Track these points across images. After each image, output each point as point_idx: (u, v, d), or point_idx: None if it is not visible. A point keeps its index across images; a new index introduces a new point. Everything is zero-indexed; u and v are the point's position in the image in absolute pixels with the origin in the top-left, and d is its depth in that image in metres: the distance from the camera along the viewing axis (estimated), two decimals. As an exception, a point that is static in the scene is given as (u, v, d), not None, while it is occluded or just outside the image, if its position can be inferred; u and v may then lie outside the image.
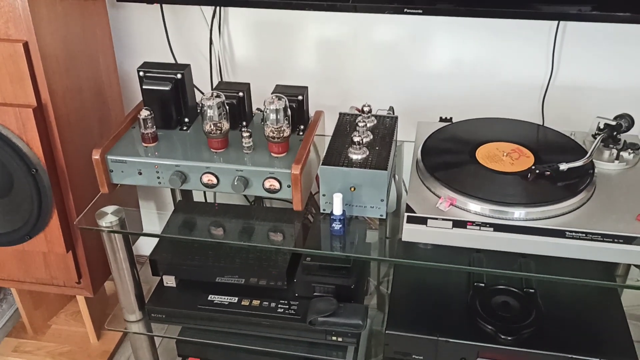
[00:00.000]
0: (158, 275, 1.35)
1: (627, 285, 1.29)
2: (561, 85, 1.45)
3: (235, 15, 1.52)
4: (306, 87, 1.28)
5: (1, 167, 1.31)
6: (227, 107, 1.19)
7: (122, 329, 1.41)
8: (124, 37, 1.59)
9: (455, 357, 1.18)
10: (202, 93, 1.55)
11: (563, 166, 1.12)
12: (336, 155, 1.15)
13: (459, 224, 1.06)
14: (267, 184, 1.16)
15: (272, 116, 1.15)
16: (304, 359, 1.32)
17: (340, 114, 1.30)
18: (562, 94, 1.45)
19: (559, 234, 1.03)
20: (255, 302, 1.30)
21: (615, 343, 1.17)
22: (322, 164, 1.13)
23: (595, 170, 1.15)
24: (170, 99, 1.26)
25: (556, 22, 1.36)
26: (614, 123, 1.21)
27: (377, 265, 1.57)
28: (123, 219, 1.22)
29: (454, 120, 1.33)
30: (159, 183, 1.21)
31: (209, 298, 1.32)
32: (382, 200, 1.13)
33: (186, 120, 1.30)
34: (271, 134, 1.16)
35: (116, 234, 1.24)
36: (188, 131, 1.28)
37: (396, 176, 1.30)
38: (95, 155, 1.19)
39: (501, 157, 1.18)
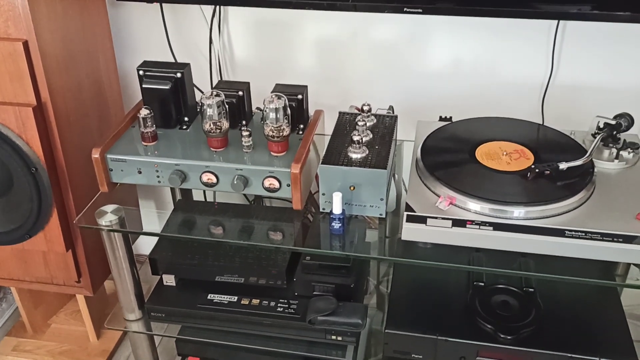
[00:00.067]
0: (158, 274, 1.35)
1: (627, 284, 1.29)
2: (561, 85, 1.45)
3: (235, 14, 1.52)
4: (306, 86, 1.28)
5: (1, 166, 1.31)
6: (227, 106, 1.19)
7: (121, 328, 1.41)
8: (124, 36, 1.59)
9: (454, 356, 1.18)
10: (202, 92, 1.55)
11: (563, 165, 1.12)
12: (336, 154, 1.15)
13: (459, 223, 1.06)
14: (267, 183, 1.16)
15: (272, 115, 1.15)
16: (304, 358, 1.32)
17: (339, 113, 1.30)
18: (561, 93, 1.45)
19: (559, 233, 1.03)
20: (255, 301, 1.30)
21: (615, 342, 1.17)
22: (322, 163, 1.13)
23: (595, 170, 1.15)
24: (170, 98, 1.26)
25: (556, 21, 1.36)
26: (613, 122, 1.22)
27: (377, 264, 1.57)
28: (123, 217, 1.22)
29: (453, 120, 1.33)
30: (159, 182, 1.21)
31: (208, 297, 1.32)
32: (381, 200, 1.13)
33: (186, 119, 1.30)
34: (271, 133, 1.16)
35: (116, 233, 1.24)
36: (188, 130, 1.28)
37: (396, 175, 1.30)
38: (95, 154, 1.19)
39: (501, 156, 1.18)
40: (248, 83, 1.30)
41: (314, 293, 1.27)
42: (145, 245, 1.70)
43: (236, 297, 1.31)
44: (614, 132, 1.21)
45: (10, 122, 1.26)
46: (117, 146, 1.23)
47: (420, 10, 1.28)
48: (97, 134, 1.47)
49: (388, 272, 1.54)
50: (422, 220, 1.07)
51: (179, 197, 1.49)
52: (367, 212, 1.16)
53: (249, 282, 1.29)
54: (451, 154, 1.21)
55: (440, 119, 1.35)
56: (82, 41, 1.38)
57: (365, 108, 1.22)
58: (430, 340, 1.18)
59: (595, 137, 1.20)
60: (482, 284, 1.28)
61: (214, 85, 1.32)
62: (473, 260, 1.12)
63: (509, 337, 1.16)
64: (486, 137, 1.23)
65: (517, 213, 1.06)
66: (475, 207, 1.08)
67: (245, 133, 1.19)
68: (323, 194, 1.15)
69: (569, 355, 1.13)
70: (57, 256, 1.48)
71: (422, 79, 1.50)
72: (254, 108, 1.33)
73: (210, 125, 1.18)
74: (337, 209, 1.12)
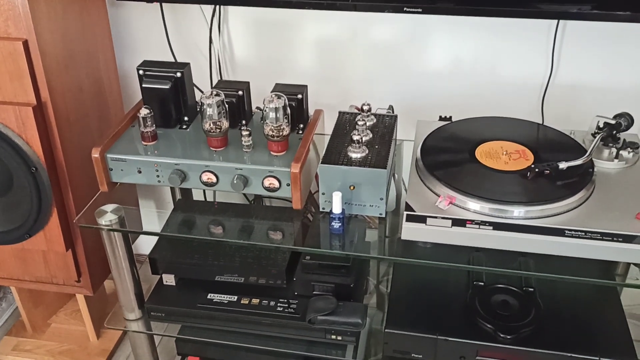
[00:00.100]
0: (157, 274, 1.35)
1: (627, 284, 1.28)
2: (561, 84, 1.45)
3: (234, 14, 1.52)
4: (306, 86, 1.28)
5: (1, 165, 1.31)
6: (227, 106, 1.19)
7: (121, 328, 1.41)
8: (124, 36, 1.59)
9: (454, 355, 1.18)
10: (202, 92, 1.55)
11: (562, 165, 1.12)
12: (335, 153, 1.15)
13: (459, 222, 1.06)
14: (267, 183, 1.16)
15: (272, 115, 1.15)
16: (304, 357, 1.32)
17: (339, 112, 1.30)
18: (561, 93, 1.45)
19: (559, 232, 1.03)
20: (255, 301, 1.30)
21: (615, 342, 1.17)
22: (322, 163, 1.13)
23: (595, 169, 1.15)
24: (170, 98, 1.26)
25: (556, 21, 1.36)
26: (613, 122, 1.21)
27: (377, 264, 1.57)
28: (122, 217, 1.22)
29: (453, 119, 1.33)
30: (159, 182, 1.21)
31: (208, 297, 1.32)
32: (381, 199, 1.13)
33: (186, 118, 1.30)
34: (271, 133, 1.16)
35: (116, 233, 1.24)
36: (187, 130, 1.28)
37: (395, 175, 1.30)
38: (95, 154, 1.19)
39: (500, 155, 1.18)
40: (248, 83, 1.30)
41: (314, 292, 1.27)
42: (145, 244, 1.70)
43: (236, 297, 1.31)
44: (614, 132, 1.21)
45: (10, 121, 1.26)
46: (117, 146, 1.23)
47: (420, 10, 1.28)
48: (97, 134, 1.47)
49: (388, 272, 1.54)
50: (421, 219, 1.07)
51: (178, 196, 1.49)
52: (367, 212, 1.16)
53: (249, 282, 1.29)
54: (451, 154, 1.21)
55: (440, 118, 1.35)
56: (82, 41, 1.38)
57: (365, 108, 1.22)
58: (430, 340, 1.18)
59: (595, 137, 1.20)
60: (482, 283, 1.28)
61: (213, 85, 1.32)
62: (473, 260, 1.12)
63: (508, 337, 1.16)
64: (486, 136, 1.23)
65: (517, 212, 1.06)
66: (475, 207, 1.08)
67: (245, 133, 1.19)
68: (323, 194, 1.15)
69: (569, 354, 1.13)
70: (57, 256, 1.48)
71: (422, 79, 1.51)
72: (253, 108, 1.33)
73: (210, 124, 1.18)
74: (336, 209, 1.12)
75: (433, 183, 1.13)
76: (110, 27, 1.51)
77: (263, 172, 1.15)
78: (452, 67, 1.48)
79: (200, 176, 1.18)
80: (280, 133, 1.16)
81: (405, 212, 1.08)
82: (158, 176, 1.20)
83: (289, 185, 1.15)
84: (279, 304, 1.28)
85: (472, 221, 1.06)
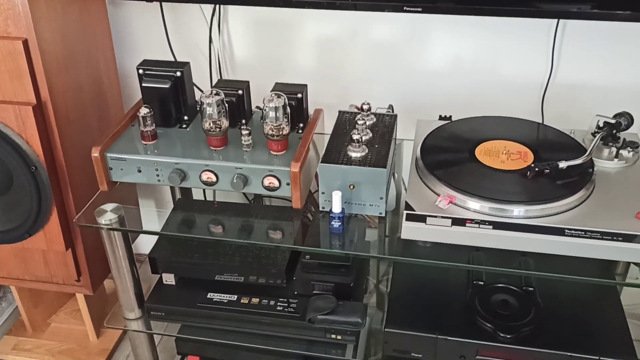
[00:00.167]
0: (157, 273, 1.35)
1: (627, 283, 1.28)
2: (561, 84, 1.45)
3: (234, 13, 1.52)
4: (305, 85, 1.28)
5: (1, 164, 1.31)
6: (227, 105, 1.19)
7: (121, 327, 1.41)
8: (124, 35, 1.59)
9: (454, 355, 1.18)
10: (202, 91, 1.55)
11: (562, 164, 1.12)
12: (335, 153, 1.15)
13: (458, 221, 1.06)
14: (267, 182, 1.16)
15: (272, 114, 1.15)
16: (303, 356, 1.32)
17: (339, 112, 1.29)
18: (561, 92, 1.45)
19: (558, 231, 1.03)
20: (255, 300, 1.30)
21: (615, 341, 1.17)
22: (322, 162, 1.13)
23: (595, 168, 1.15)
24: (170, 97, 1.26)
25: (556, 20, 1.36)
26: (613, 121, 1.21)
27: (377, 263, 1.57)
28: (122, 216, 1.22)
29: (453, 119, 1.33)
30: (159, 181, 1.21)
31: (208, 296, 1.32)
32: (381, 198, 1.13)
33: (185, 118, 1.30)
34: (270, 132, 1.16)
35: (115, 232, 1.24)
36: (187, 129, 1.28)
37: (395, 174, 1.30)
38: (95, 153, 1.19)
39: (500, 155, 1.18)
40: (248, 82, 1.30)
41: (314, 292, 1.27)
42: (145, 244, 1.70)
43: (236, 296, 1.31)
44: (614, 131, 1.21)
45: (10, 121, 1.26)
46: (117, 145, 1.22)
47: (420, 9, 1.28)
48: (97, 133, 1.47)
49: (388, 271, 1.54)
50: (421, 219, 1.07)
51: (178, 196, 1.49)
52: (367, 211, 1.16)
53: (249, 281, 1.29)
54: (451, 153, 1.21)
55: (440, 117, 1.35)
56: (82, 40, 1.38)
57: (365, 107, 1.21)
58: (429, 339, 1.18)
59: (595, 136, 1.20)
60: (482, 282, 1.28)
61: (213, 84, 1.32)
62: (473, 259, 1.12)
63: (508, 336, 1.16)
64: (486, 136, 1.23)
65: (517, 212, 1.06)
66: (474, 206, 1.08)
67: (244, 132, 1.19)
68: (323, 193, 1.15)
69: (569, 354, 1.12)
70: (57, 255, 1.48)
71: (422, 78, 1.50)
72: (253, 107, 1.33)
73: (209, 124, 1.18)
74: (336, 208, 1.12)
75: (433, 182, 1.13)
76: (110, 26, 1.51)
77: (263, 171, 1.15)
78: (452, 66, 1.48)
79: (200, 175, 1.18)
80: (280, 132, 1.16)
81: (405, 212, 1.08)
82: (158, 175, 1.20)
83: (289, 184, 1.15)
84: (278, 304, 1.28)
85: (472, 220, 1.06)
